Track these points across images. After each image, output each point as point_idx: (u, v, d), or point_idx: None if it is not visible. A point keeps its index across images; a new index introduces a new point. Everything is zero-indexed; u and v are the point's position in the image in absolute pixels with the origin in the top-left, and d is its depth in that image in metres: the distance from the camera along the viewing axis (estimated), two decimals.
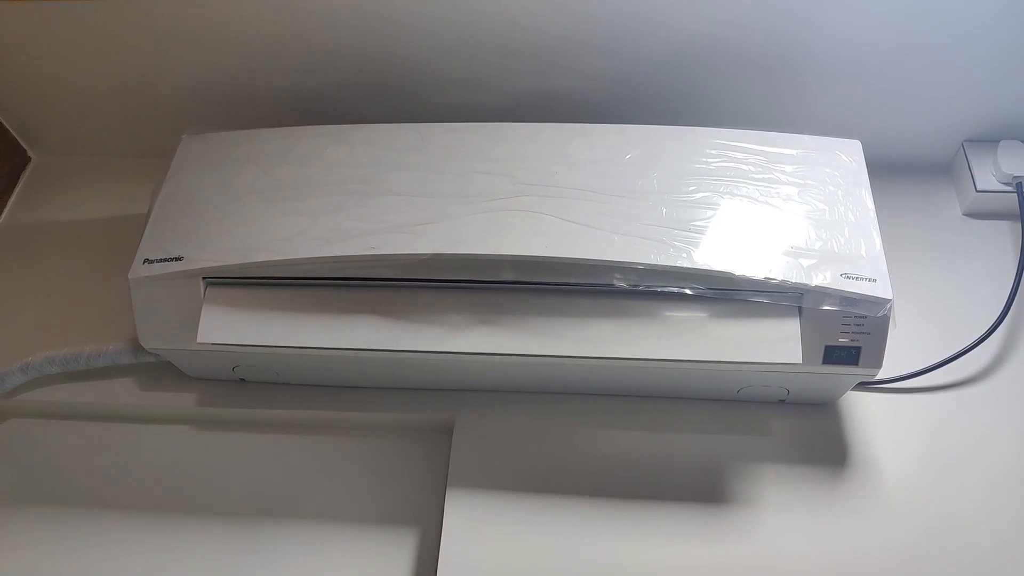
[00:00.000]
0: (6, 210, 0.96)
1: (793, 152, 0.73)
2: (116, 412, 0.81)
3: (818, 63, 0.82)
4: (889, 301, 0.64)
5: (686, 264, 0.65)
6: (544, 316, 0.67)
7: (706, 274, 0.65)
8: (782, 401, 0.75)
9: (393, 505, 0.74)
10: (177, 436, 0.79)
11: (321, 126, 0.78)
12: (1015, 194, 0.81)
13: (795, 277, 0.65)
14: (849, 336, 0.66)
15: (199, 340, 0.69)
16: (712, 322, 0.66)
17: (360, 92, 0.88)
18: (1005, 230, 0.84)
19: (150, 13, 0.82)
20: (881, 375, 0.74)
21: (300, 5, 0.80)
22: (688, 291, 0.66)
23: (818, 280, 0.65)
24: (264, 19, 0.82)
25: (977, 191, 0.83)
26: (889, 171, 0.88)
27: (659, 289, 0.66)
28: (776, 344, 0.65)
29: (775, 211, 0.69)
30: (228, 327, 0.70)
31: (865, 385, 0.75)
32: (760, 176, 0.71)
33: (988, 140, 0.85)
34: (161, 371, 0.79)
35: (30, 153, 1.01)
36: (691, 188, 0.70)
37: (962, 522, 0.69)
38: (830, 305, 0.65)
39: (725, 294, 0.66)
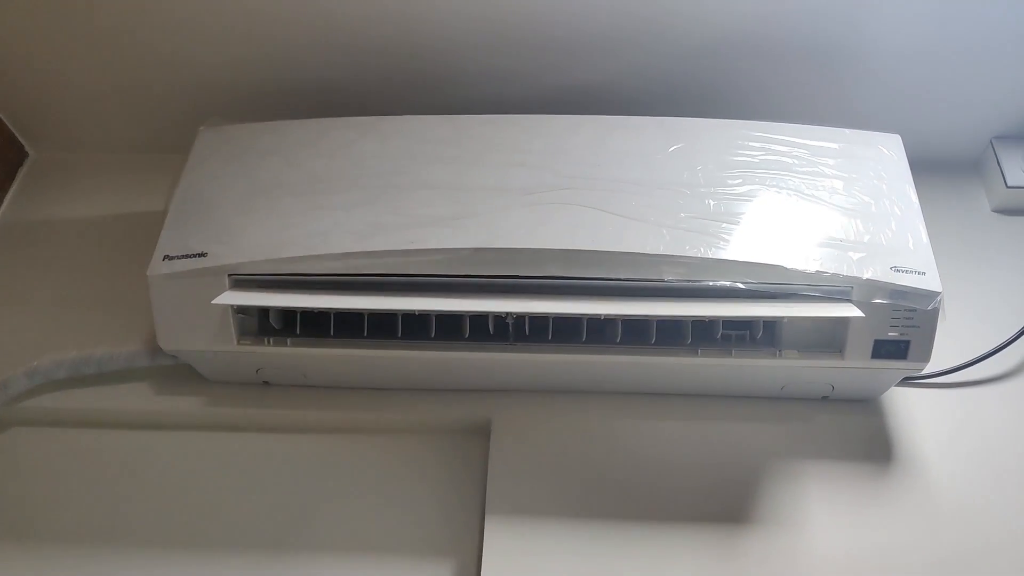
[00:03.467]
0: (2, 207, 0.92)
1: (835, 146, 0.72)
2: (129, 419, 0.76)
3: (851, 59, 0.81)
4: (939, 294, 0.63)
5: (736, 257, 0.64)
6: (592, 305, 0.64)
7: (757, 267, 0.64)
8: (825, 397, 0.73)
9: (429, 512, 0.71)
10: (195, 443, 0.75)
11: (349, 118, 0.75)
12: None
13: (846, 270, 0.64)
14: (899, 330, 0.65)
15: (213, 302, 0.65)
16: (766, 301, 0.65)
17: (383, 85, 0.85)
18: None
19: (156, 3, 0.79)
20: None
21: None
22: (741, 285, 0.64)
23: (869, 273, 0.64)
24: (282, 10, 0.79)
25: (1008, 187, 0.82)
26: (918, 167, 0.87)
27: (709, 284, 0.65)
28: (832, 307, 0.63)
29: (821, 204, 0.67)
30: (251, 296, 0.65)
31: (907, 380, 0.74)
32: (804, 169, 0.70)
33: (1017, 136, 0.85)
34: (178, 374, 0.75)
35: (28, 149, 0.96)
36: (736, 181, 0.69)
37: (1005, 516, 0.68)
38: (880, 298, 0.64)
39: (776, 288, 0.64)
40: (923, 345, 0.66)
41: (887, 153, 0.72)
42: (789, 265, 0.64)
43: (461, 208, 0.67)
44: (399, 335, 0.68)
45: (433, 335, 0.68)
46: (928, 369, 0.75)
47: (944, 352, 0.75)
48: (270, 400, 0.75)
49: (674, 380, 0.73)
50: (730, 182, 0.69)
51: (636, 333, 0.68)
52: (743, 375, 0.71)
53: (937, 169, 0.87)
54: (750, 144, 0.71)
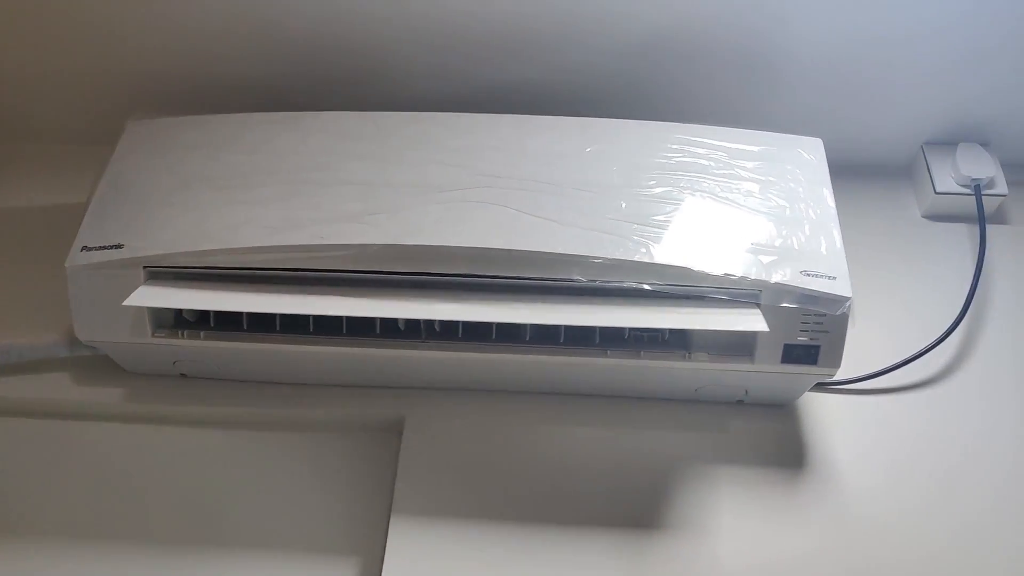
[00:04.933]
0: None
1: (755, 148, 0.72)
2: (48, 408, 0.76)
3: (784, 62, 0.82)
4: (849, 299, 0.64)
5: (644, 259, 0.64)
6: (500, 309, 0.65)
7: (665, 269, 0.64)
8: (740, 402, 0.73)
9: (338, 511, 0.71)
10: (111, 435, 0.75)
11: (274, 113, 0.76)
12: (973, 196, 0.82)
13: (754, 273, 0.64)
14: (808, 335, 0.65)
15: (124, 303, 0.65)
16: (673, 306, 0.65)
17: (317, 82, 0.86)
18: (963, 233, 0.84)
19: None
20: (839, 376, 0.74)
21: None
22: (647, 286, 0.64)
23: (777, 277, 0.64)
24: (218, 4, 0.80)
25: (936, 193, 0.83)
26: (851, 173, 0.87)
27: (618, 285, 0.65)
28: (739, 316, 0.63)
29: (735, 207, 0.68)
30: (162, 295, 0.66)
31: (823, 386, 0.74)
32: (721, 172, 0.70)
33: (947, 143, 0.85)
34: (97, 365, 0.75)
35: None
36: (651, 183, 0.69)
37: (918, 525, 0.68)
38: (789, 302, 0.64)
39: (684, 290, 0.65)
40: (833, 350, 0.66)
41: (807, 157, 0.72)
42: (696, 267, 0.64)
43: (375, 204, 0.67)
44: (311, 330, 0.68)
45: (344, 331, 0.68)
46: (848, 375, 0.76)
47: (866, 358, 0.76)
48: (186, 393, 0.75)
49: (587, 380, 0.73)
50: (645, 183, 0.69)
51: (546, 332, 0.68)
52: (656, 377, 0.71)
53: (870, 175, 0.88)
54: (668, 146, 0.71)
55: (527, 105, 0.84)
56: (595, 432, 0.72)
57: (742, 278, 0.64)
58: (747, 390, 0.71)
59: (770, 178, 0.70)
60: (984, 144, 0.84)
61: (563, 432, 0.72)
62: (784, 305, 0.64)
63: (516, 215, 0.66)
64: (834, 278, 0.65)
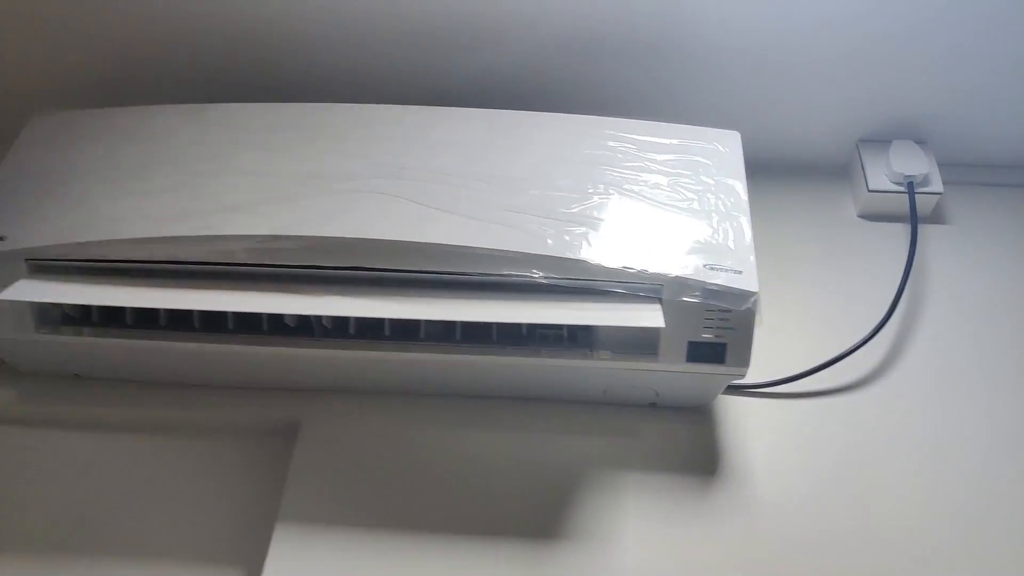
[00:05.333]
0: None
1: (669, 141, 0.69)
2: None
3: (714, 57, 0.79)
4: (755, 294, 0.60)
5: (541, 251, 0.61)
6: (388, 304, 0.62)
7: (562, 262, 0.61)
8: (653, 404, 0.70)
9: (225, 518, 0.68)
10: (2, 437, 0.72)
11: (179, 105, 0.74)
12: (907, 194, 0.79)
13: (655, 267, 0.61)
14: (713, 332, 0.62)
15: (0, 297, 0.62)
16: (571, 301, 0.62)
17: (229, 75, 0.83)
18: (900, 233, 0.81)
19: None
20: (759, 379, 0.71)
21: None
22: (543, 280, 0.61)
23: (679, 270, 0.61)
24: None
25: (869, 191, 0.80)
26: (789, 172, 0.86)
27: (514, 279, 0.62)
28: (637, 312, 0.60)
29: (642, 200, 0.65)
30: (39, 289, 0.63)
31: (740, 389, 0.71)
32: (630, 164, 0.67)
33: (883, 140, 0.83)
34: None
35: None
36: (557, 175, 0.66)
37: (834, 537, 0.64)
38: (691, 297, 0.61)
39: (583, 285, 0.62)
40: (741, 349, 0.62)
41: (722, 150, 0.69)
42: (594, 260, 0.61)
43: (267, 195, 0.65)
44: (196, 327, 0.65)
45: (231, 327, 0.65)
46: (772, 377, 0.72)
47: (792, 361, 0.72)
48: (77, 394, 0.72)
49: (489, 382, 0.70)
50: (550, 176, 0.66)
51: (441, 330, 0.65)
52: (560, 377, 0.68)
53: (810, 174, 0.86)
54: (579, 139, 0.69)
55: (443, 101, 0.82)
56: (498, 437, 0.69)
57: (641, 271, 0.61)
58: (657, 392, 0.68)
59: (681, 171, 0.67)
60: (921, 142, 0.81)
61: (465, 437, 0.69)
62: (685, 299, 0.61)
63: (412, 206, 0.64)
64: (740, 272, 0.61)
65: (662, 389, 0.68)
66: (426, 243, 0.61)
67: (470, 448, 0.68)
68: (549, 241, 0.61)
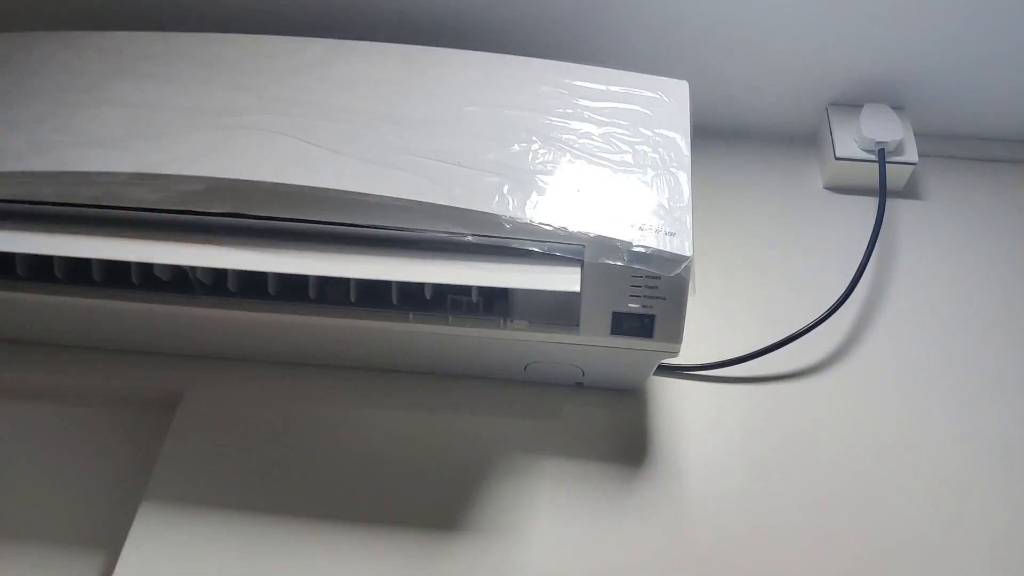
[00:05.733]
0: None
1: (607, 88, 0.61)
2: None
3: (678, 12, 0.71)
4: (687, 259, 0.53)
5: (444, 202, 0.53)
6: (275, 256, 0.54)
7: (468, 215, 0.53)
8: (579, 384, 0.63)
9: (92, 495, 0.60)
10: None
11: (59, 32, 0.66)
12: (871, 162, 0.70)
13: (575, 225, 0.54)
14: (641, 302, 0.54)
15: None
16: (481, 260, 0.54)
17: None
18: (868, 207, 0.72)
19: None
20: (701, 360, 0.63)
21: None
22: (447, 234, 0.53)
23: (602, 230, 0.53)
24: None
25: (836, 158, 0.72)
26: (749, 137, 0.77)
27: (415, 232, 0.54)
28: (551, 274, 0.52)
29: (568, 151, 0.57)
30: None
31: (677, 371, 0.63)
32: (561, 111, 0.59)
33: (856, 105, 0.74)
34: None
35: None
36: (474, 120, 0.58)
37: (767, 534, 0.57)
38: (615, 259, 0.53)
39: (494, 242, 0.53)
40: (671, 321, 0.54)
41: (666, 100, 0.61)
42: (506, 215, 0.53)
43: (139, 129, 0.57)
44: (58, 276, 0.57)
45: (97, 279, 0.57)
46: (712, 359, 0.65)
47: (744, 342, 0.64)
48: None
49: (392, 352, 0.62)
50: (467, 120, 0.58)
51: (335, 289, 0.56)
52: (473, 350, 0.60)
53: (776, 141, 0.77)
54: (504, 81, 0.60)
55: (355, 34, 0.73)
56: (402, 415, 0.61)
57: (560, 229, 0.53)
58: (583, 369, 0.61)
59: (617, 120, 0.59)
60: (897, 108, 0.73)
61: (365, 414, 0.61)
62: (609, 263, 0.53)
63: (301, 146, 0.55)
64: (673, 235, 0.54)
65: (587, 366, 0.60)
66: (310, 187, 0.53)
67: (367, 427, 0.60)
68: (456, 191, 0.54)
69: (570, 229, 0.53)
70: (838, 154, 0.71)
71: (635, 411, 0.61)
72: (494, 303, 0.57)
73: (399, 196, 0.53)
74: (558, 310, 0.56)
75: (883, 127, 0.71)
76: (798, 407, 0.62)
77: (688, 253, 0.53)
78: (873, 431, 0.60)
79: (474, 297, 0.56)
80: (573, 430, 0.60)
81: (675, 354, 0.56)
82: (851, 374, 0.63)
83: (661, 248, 0.53)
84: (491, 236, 0.53)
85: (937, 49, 0.71)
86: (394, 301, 0.56)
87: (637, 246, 0.53)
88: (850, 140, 0.72)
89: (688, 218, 0.55)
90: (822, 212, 0.72)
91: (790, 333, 0.64)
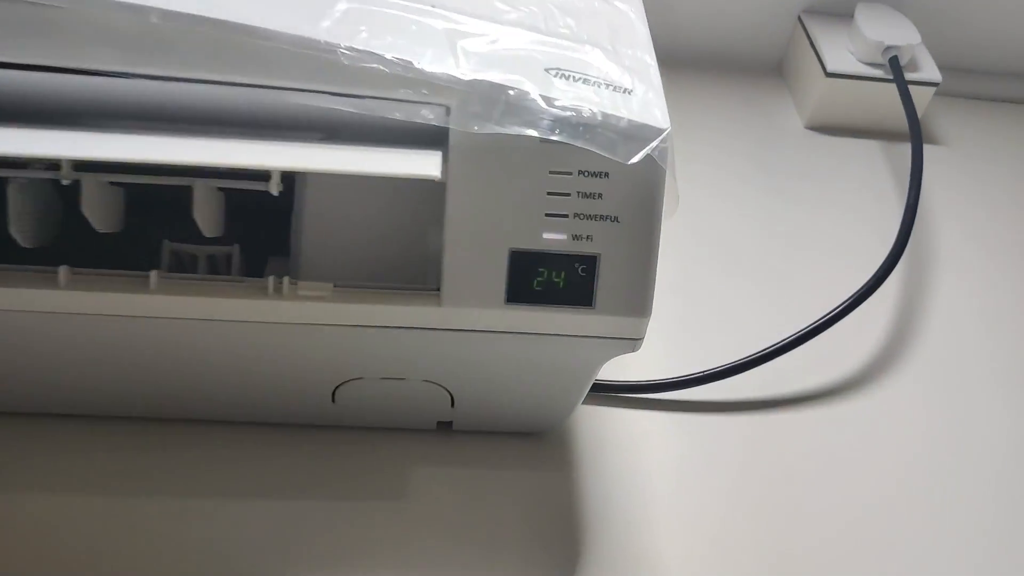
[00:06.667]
0: None
1: None
2: None
3: None
4: (662, 131, 0.26)
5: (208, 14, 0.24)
6: None
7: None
8: (445, 426, 0.32)
9: None
10: None
11: None
12: (880, 80, 0.47)
13: (446, 67, 0.26)
14: (567, 226, 0.26)
15: None
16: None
17: None
18: (869, 151, 0.49)
19: None
20: (638, 377, 0.36)
21: None
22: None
23: (490, 75, 0.26)
24: None
25: (828, 75, 0.48)
26: (718, 70, 0.54)
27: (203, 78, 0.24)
28: (373, 154, 0.24)
29: None
30: None
31: (630, 391, 0.35)
32: None
33: (835, 14, 0.51)
34: None
35: None
36: None
37: None
38: (516, 126, 0.26)
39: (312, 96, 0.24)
40: (632, 269, 0.27)
41: None
42: (323, 40, 0.24)
43: None
44: None
45: None
46: (650, 376, 0.37)
47: (691, 356, 0.38)
48: None
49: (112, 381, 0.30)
50: None
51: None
52: (225, 354, 0.28)
53: (743, 72, 0.53)
54: None
55: None
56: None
57: (405, 68, 0.25)
58: (449, 390, 0.31)
59: None
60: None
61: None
62: (500, 131, 0.26)
63: None
64: (630, 91, 0.27)
65: (457, 382, 0.30)
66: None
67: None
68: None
69: (429, 70, 0.25)
70: (829, 69, 0.48)
71: (549, 477, 0.31)
72: (264, 249, 0.27)
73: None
74: (392, 257, 0.27)
75: (891, 29, 0.49)
76: (822, 439, 0.35)
77: (665, 125, 0.26)
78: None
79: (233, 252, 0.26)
80: (430, 524, 0.30)
81: (638, 345, 0.29)
82: (861, 404, 0.36)
83: (611, 112, 0.26)
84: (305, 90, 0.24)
85: None
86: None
87: (562, 108, 0.25)
88: (843, 51, 0.49)
89: (653, 65, 0.28)
90: (803, 162, 0.48)
91: (796, 333, 0.38)
